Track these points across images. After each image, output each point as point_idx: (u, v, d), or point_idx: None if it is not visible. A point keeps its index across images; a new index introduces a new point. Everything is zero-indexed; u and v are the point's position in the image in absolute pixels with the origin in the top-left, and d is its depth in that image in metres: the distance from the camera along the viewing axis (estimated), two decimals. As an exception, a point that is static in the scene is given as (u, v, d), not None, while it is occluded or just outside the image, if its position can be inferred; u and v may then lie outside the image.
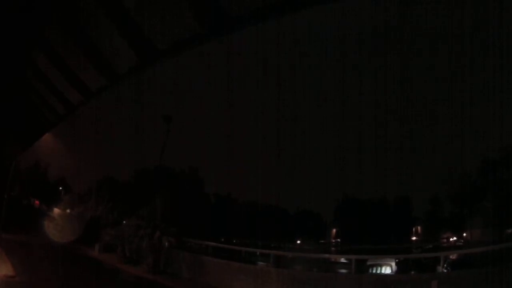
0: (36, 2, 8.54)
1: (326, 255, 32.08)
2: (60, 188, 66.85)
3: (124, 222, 33.44)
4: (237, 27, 8.03)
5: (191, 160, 70.99)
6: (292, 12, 7.52)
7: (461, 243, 48.57)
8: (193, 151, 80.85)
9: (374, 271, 23.75)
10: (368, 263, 24.64)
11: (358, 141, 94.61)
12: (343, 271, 24.02)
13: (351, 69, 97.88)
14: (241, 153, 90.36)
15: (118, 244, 29.98)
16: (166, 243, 26.91)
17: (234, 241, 43.50)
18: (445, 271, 20.25)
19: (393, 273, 23.22)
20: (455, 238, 53.61)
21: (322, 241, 66.04)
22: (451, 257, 23.88)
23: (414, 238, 62.65)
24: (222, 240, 39.19)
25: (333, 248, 60.96)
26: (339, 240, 66.83)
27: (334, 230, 69.72)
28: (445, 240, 55.51)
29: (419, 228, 63.78)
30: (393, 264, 23.98)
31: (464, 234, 51.87)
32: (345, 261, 26.17)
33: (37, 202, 63.09)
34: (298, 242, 57.98)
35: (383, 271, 23.65)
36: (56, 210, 50.97)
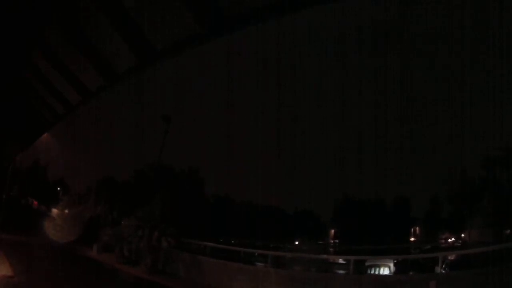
0: (35, 2, 8.55)
1: (325, 256, 32.10)
2: (59, 188, 66.89)
3: (123, 222, 33.42)
4: (237, 27, 8.04)
5: (190, 160, 71.16)
6: (292, 12, 7.53)
7: (459, 244, 48.68)
8: (193, 151, 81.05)
9: (372, 272, 23.76)
10: (367, 263, 24.66)
11: (358, 141, 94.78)
12: (342, 271, 24.06)
13: (351, 69, 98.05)
14: (241, 153, 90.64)
15: (117, 244, 29.97)
16: (165, 243, 26.90)
17: (233, 241, 43.52)
18: (443, 271, 20.28)
19: (391, 274, 23.23)
20: (453, 239, 53.75)
21: (321, 241, 66.12)
22: (449, 257, 23.93)
23: (412, 238, 62.80)
24: (221, 240, 39.19)
25: (331, 249, 60.99)
26: (337, 240, 66.95)
27: (332, 231, 69.85)
28: (443, 241, 55.66)
29: (417, 228, 63.93)
30: (392, 264, 23.99)
31: (463, 235, 51.98)
32: (343, 261, 26.21)
33: (35, 202, 63.13)
34: (297, 242, 58.05)
35: (381, 272, 23.64)
36: (54, 210, 50.94)
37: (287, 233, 58.86)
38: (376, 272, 23.68)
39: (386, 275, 22.92)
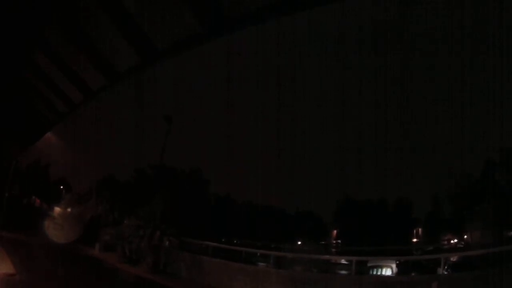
0: (36, 2, 8.53)
1: (327, 256, 32.07)
2: (61, 187, 66.96)
3: (125, 221, 33.45)
4: (237, 27, 8.01)
5: (192, 160, 71.21)
6: (292, 13, 7.50)
7: (461, 245, 48.59)
8: (194, 151, 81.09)
9: (374, 273, 23.73)
10: (369, 264, 24.63)
11: (359, 141, 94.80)
12: (344, 272, 24.01)
13: (351, 69, 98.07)
14: (241, 154, 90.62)
15: (118, 243, 29.99)
16: (166, 243, 26.92)
17: (234, 241, 43.54)
18: (445, 273, 20.24)
19: (393, 275, 23.20)
20: (455, 240, 53.66)
21: (323, 242, 66.08)
22: (451, 259, 23.87)
23: (414, 239, 62.71)
24: (222, 240, 39.21)
25: (333, 249, 60.96)
26: (339, 241, 66.89)
27: (334, 231, 69.80)
28: (445, 242, 55.58)
29: (419, 229, 63.84)
30: (394, 265, 23.95)
31: (465, 236, 51.89)
32: (345, 262, 26.17)
33: (37, 201, 63.20)
34: (299, 243, 58.04)
35: (383, 273, 23.62)
36: (56, 209, 51.01)
37: (288, 233, 58.80)
38: (378, 273, 23.65)
39: (388, 276, 22.89)
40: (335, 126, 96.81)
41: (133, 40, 9.02)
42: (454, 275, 20.00)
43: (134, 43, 9.06)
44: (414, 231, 63.66)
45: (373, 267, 24.29)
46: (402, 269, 24.52)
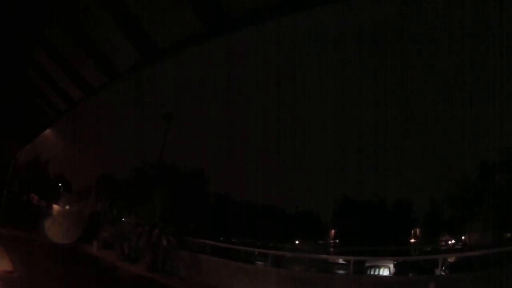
0: (37, 2, 8.56)
1: (325, 256, 32.11)
2: (60, 184, 66.94)
3: (123, 219, 33.45)
4: (237, 27, 8.04)
5: (192, 159, 71.11)
6: (292, 13, 7.53)
7: (459, 246, 48.61)
8: (194, 150, 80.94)
9: (372, 273, 23.77)
10: (367, 264, 24.68)
11: (358, 141, 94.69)
12: (341, 272, 24.05)
13: (351, 69, 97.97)
14: (241, 153, 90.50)
15: (117, 241, 29.98)
16: (165, 241, 26.91)
17: (233, 240, 43.54)
18: (443, 273, 20.27)
19: (391, 275, 23.24)
20: (453, 241, 53.68)
21: (321, 241, 66.07)
22: (449, 259, 23.90)
23: (412, 240, 62.71)
24: (221, 239, 39.20)
25: (331, 249, 60.97)
26: (337, 241, 66.91)
27: (332, 231, 69.80)
28: (443, 243, 55.60)
29: (418, 230, 63.85)
30: (391, 266, 24.00)
31: (463, 237, 51.91)
32: (343, 262, 26.21)
33: (36, 198, 63.13)
34: (297, 242, 58.06)
35: (381, 273, 23.66)
36: (55, 207, 50.99)
37: (287, 232, 58.82)
38: (376, 273, 23.69)
39: (386, 276, 22.93)
40: (335, 126, 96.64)
41: (134, 39, 9.05)
42: (451, 276, 20.05)
43: (135, 42, 9.10)
44: (412, 231, 63.68)
45: (370, 267, 24.32)
46: (399, 269, 24.57)
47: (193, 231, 31.06)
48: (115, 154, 76.41)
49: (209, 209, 59.69)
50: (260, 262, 26.68)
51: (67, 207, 48.09)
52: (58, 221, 39.69)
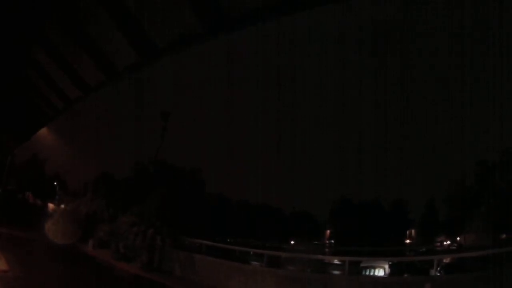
0: (36, 0, 8.57)
1: (320, 256, 32.12)
2: (56, 183, 66.81)
3: (119, 218, 33.44)
4: (238, 27, 8.05)
5: (190, 159, 71.16)
6: (292, 13, 7.55)
7: (455, 247, 48.72)
8: (192, 150, 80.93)
9: (367, 273, 23.81)
10: (362, 265, 24.72)
11: (356, 142, 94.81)
12: (337, 272, 24.05)
13: (350, 68, 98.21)
14: (239, 153, 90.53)
15: (113, 240, 29.99)
16: (160, 241, 26.93)
17: (229, 240, 43.55)
18: (438, 274, 20.34)
19: (386, 276, 23.28)
20: (449, 242, 53.80)
21: (317, 242, 66.09)
22: (444, 260, 23.96)
23: (408, 241, 62.84)
24: (217, 239, 39.23)
25: (327, 249, 60.99)
26: (333, 241, 66.96)
27: (328, 231, 69.87)
28: (439, 244, 55.72)
29: (413, 231, 63.99)
30: (387, 266, 24.02)
31: (458, 238, 52.04)
32: (339, 262, 26.22)
33: (32, 196, 63.03)
34: (293, 242, 58.09)
35: (376, 273, 23.69)
36: (50, 205, 50.94)
37: (283, 233, 58.86)
38: (371, 274, 23.72)
39: (381, 277, 22.98)
40: (333, 126, 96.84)
41: (133, 38, 9.04)
42: (446, 277, 20.11)
43: (134, 41, 9.09)
44: (408, 232, 63.82)
45: (366, 268, 24.36)
46: (395, 270, 24.57)
47: (190, 231, 31.00)
48: (112, 153, 76.35)
49: (206, 209, 59.66)
50: (256, 262, 26.71)
51: (63, 206, 48.01)
52: (53, 220, 39.64)
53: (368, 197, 66.33)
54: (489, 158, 46.95)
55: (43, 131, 24.30)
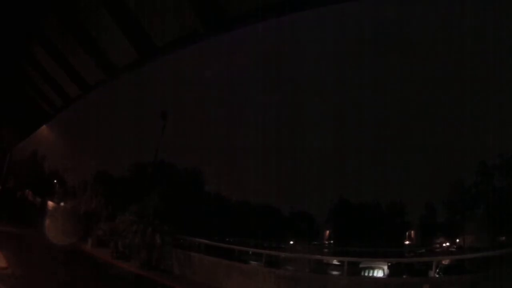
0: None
1: (319, 256, 32.11)
2: (55, 181, 66.77)
3: (118, 217, 33.38)
4: (236, 26, 8.04)
5: (189, 158, 71.08)
6: (290, 12, 7.53)
7: (454, 249, 48.74)
8: (192, 149, 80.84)
9: (366, 274, 23.82)
10: (361, 265, 24.73)
11: (355, 143, 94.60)
12: (335, 272, 24.05)
13: (348, 69, 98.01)
14: (238, 153, 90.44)
15: (111, 239, 29.94)
16: (159, 240, 26.87)
17: (227, 239, 43.56)
18: (437, 275, 20.33)
19: (385, 276, 23.28)
20: (448, 244, 53.81)
21: (315, 242, 66.08)
22: (443, 262, 23.96)
23: (407, 242, 62.81)
24: (216, 238, 39.21)
25: (325, 250, 60.97)
26: (332, 241, 66.95)
27: (327, 232, 69.84)
28: (438, 245, 55.72)
29: (412, 232, 63.95)
30: (386, 267, 24.04)
31: (457, 240, 52.06)
32: (337, 263, 26.21)
33: (31, 194, 62.95)
34: (291, 242, 58.10)
35: (375, 274, 23.70)
36: (50, 203, 50.84)
37: (282, 233, 58.85)
38: (370, 274, 23.73)
39: (380, 278, 22.98)
40: (333, 127, 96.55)
41: (133, 36, 9.04)
42: (445, 278, 20.09)
43: (134, 38, 9.09)
44: (407, 233, 63.78)
45: (365, 268, 24.37)
46: (394, 271, 24.58)
47: (189, 230, 30.98)
48: (112, 152, 76.31)
49: (205, 208, 59.67)
50: (254, 262, 26.69)
51: (62, 203, 47.93)
52: (52, 218, 39.56)
53: (367, 198, 66.37)
54: (489, 161, 46.99)
55: (43, 128, 24.33)
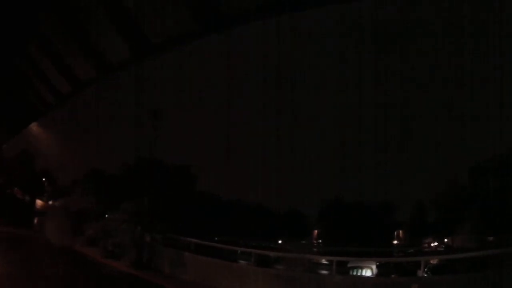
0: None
1: (308, 256, 32.13)
2: (44, 179, 66.43)
3: (109, 215, 33.33)
4: (232, 26, 8.08)
5: (182, 157, 70.82)
6: (286, 12, 7.58)
7: (442, 249, 48.97)
8: (185, 148, 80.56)
9: (355, 273, 23.91)
10: (349, 265, 24.79)
11: (345, 143, 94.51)
12: (324, 272, 24.10)
13: (344, 70, 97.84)
14: (230, 152, 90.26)
15: (102, 237, 29.88)
16: (149, 238, 26.87)
17: (217, 238, 43.52)
18: (425, 275, 20.46)
19: (373, 276, 23.39)
20: (436, 243, 54.03)
21: (304, 241, 66.16)
22: (431, 261, 24.10)
23: (396, 241, 62.99)
24: (206, 237, 39.18)
25: (314, 249, 61.00)
26: (320, 241, 67.02)
27: (316, 231, 69.91)
28: (426, 245, 55.92)
29: (401, 232, 64.14)
30: (374, 266, 24.14)
31: (446, 240, 52.28)
32: (326, 262, 26.27)
33: (20, 192, 62.64)
34: (280, 241, 58.14)
35: (364, 274, 23.81)
36: (39, 202, 50.70)
37: (272, 232, 58.82)
38: (359, 274, 23.83)
39: (368, 277, 23.09)
40: (323, 127, 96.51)
41: (128, 34, 9.05)
42: (434, 278, 20.23)
43: (129, 36, 9.10)
44: (396, 233, 63.89)
45: (353, 268, 24.46)
46: (382, 270, 24.68)
47: (179, 229, 30.96)
48: (103, 150, 75.92)
49: (196, 206, 59.56)
50: (244, 261, 26.73)
51: (51, 202, 47.80)
52: (41, 216, 39.42)
53: (356, 197, 66.41)
54: (478, 162, 47.19)
55: (33, 126, 24.22)
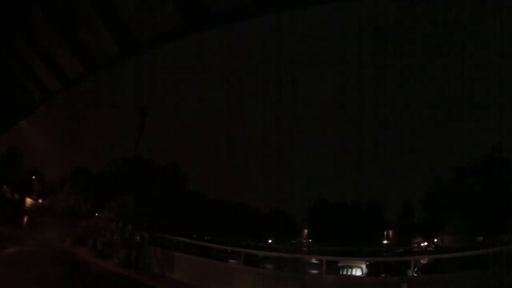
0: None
1: (297, 255, 32.13)
2: (33, 177, 66.11)
3: (97, 214, 33.14)
4: (219, 23, 8.01)
5: (170, 155, 70.69)
6: (275, 11, 7.52)
7: (432, 248, 49.12)
8: (171, 146, 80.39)
9: (345, 273, 23.91)
10: (339, 264, 24.81)
11: (334, 143, 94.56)
12: (314, 271, 24.08)
13: (340, 70, 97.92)
14: (218, 151, 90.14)
15: (90, 236, 29.70)
16: (138, 237, 26.73)
17: (206, 238, 43.46)
18: (415, 274, 20.50)
19: (363, 275, 23.40)
20: (426, 243, 54.23)
21: (294, 241, 66.26)
22: (421, 261, 24.16)
23: (385, 241, 63.18)
24: (195, 236, 39.07)
25: (304, 249, 61.07)
26: (310, 240, 67.09)
27: (305, 231, 69.96)
28: (416, 245, 56.11)
29: (391, 232, 64.32)
30: (364, 266, 24.15)
31: (435, 240, 52.50)
32: (316, 261, 26.25)
33: (9, 190, 62.31)
34: (270, 241, 58.21)
35: (353, 273, 23.81)
36: (28, 200, 50.43)
37: (261, 231, 58.87)
38: (349, 273, 23.83)
39: (358, 277, 23.09)
40: (312, 127, 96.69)
41: (114, 31, 8.97)
42: (423, 277, 20.28)
43: (115, 33, 9.01)
44: (385, 233, 64.09)
45: (343, 267, 24.46)
46: (372, 270, 24.70)
47: (168, 228, 30.85)
48: (91, 148, 75.60)
49: (184, 206, 59.47)
50: (233, 261, 26.70)
51: (40, 200, 47.58)
52: (30, 215, 39.22)
53: (346, 197, 66.57)
54: (466, 161, 47.40)
55: (21, 124, 24.01)
